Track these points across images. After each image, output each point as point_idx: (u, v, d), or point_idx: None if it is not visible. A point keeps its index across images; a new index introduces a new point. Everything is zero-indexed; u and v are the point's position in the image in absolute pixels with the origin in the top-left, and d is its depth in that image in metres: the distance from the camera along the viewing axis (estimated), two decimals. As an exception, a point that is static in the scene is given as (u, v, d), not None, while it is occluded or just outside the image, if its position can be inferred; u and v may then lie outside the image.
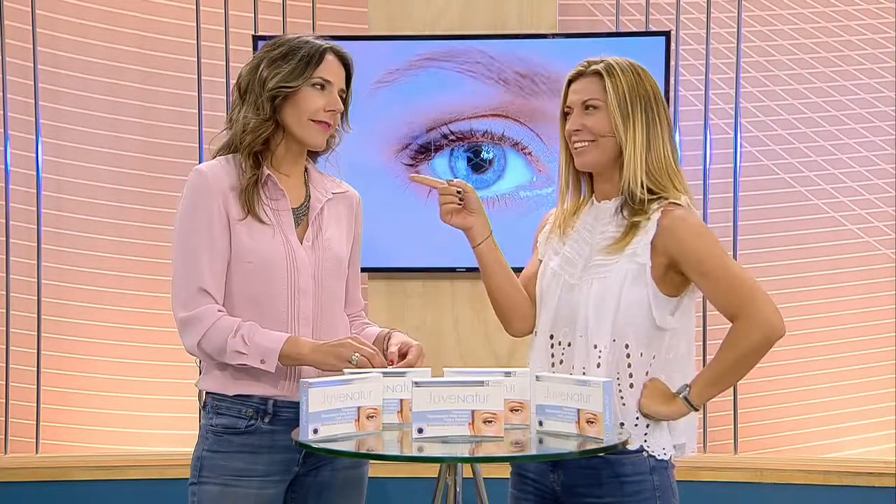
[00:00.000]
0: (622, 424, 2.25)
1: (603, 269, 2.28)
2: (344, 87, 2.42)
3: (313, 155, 2.50)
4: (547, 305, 2.34)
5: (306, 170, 2.47)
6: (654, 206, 2.27)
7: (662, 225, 2.25)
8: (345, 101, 2.43)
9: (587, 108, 2.31)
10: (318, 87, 2.37)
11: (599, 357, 2.25)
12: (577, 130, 2.31)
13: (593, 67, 2.32)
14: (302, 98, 2.36)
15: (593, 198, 2.38)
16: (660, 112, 2.32)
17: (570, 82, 2.36)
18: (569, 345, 2.29)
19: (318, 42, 2.40)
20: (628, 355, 2.26)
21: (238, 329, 2.29)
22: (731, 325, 2.27)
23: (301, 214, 2.41)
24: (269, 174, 2.37)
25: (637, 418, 2.27)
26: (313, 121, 2.37)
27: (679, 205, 2.28)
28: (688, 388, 2.26)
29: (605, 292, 2.25)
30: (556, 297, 2.32)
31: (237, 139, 2.38)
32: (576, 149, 2.32)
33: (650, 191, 2.28)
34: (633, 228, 2.27)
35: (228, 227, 2.33)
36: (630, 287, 2.25)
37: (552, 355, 2.31)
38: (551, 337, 2.32)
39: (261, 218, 2.34)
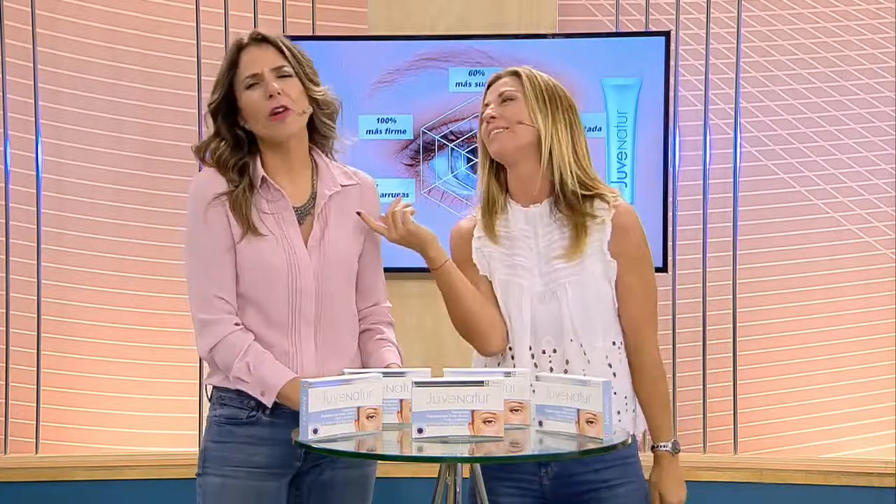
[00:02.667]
0: (618, 412, 2.34)
1: (567, 272, 2.32)
2: (281, 62, 2.35)
3: (321, 145, 2.46)
4: (520, 319, 2.34)
5: (315, 164, 2.44)
6: (598, 204, 2.34)
7: (616, 223, 2.34)
8: (301, 66, 2.37)
9: (504, 100, 2.35)
10: (250, 86, 2.34)
11: (588, 356, 2.31)
12: (493, 118, 2.34)
13: (511, 68, 2.39)
14: (244, 105, 2.35)
15: (511, 202, 2.39)
16: (579, 120, 2.38)
17: (488, 86, 2.41)
18: (553, 351, 2.31)
19: (235, 41, 2.38)
20: (613, 343, 2.36)
21: (246, 353, 2.29)
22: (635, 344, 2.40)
23: (305, 212, 2.39)
24: (263, 175, 2.36)
25: (626, 403, 2.37)
26: (267, 115, 2.33)
27: (621, 200, 2.37)
28: (671, 443, 2.41)
29: (588, 295, 2.32)
30: (527, 310, 2.33)
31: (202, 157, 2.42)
32: (490, 136, 2.35)
33: (582, 185, 2.33)
34: (580, 230, 2.32)
35: (231, 230, 2.33)
36: (601, 284, 2.33)
37: (536, 365, 2.33)
38: (530, 348, 2.33)
39: (260, 231, 2.33)
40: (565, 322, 2.30)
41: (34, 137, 4.18)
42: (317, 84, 2.40)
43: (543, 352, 2.33)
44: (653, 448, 2.41)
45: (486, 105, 2.38)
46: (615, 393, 2.33)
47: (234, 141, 2.37)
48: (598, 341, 2.32)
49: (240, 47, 2.36)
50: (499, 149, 2.34)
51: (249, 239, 2.32)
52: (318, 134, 2.44)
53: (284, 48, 2.36)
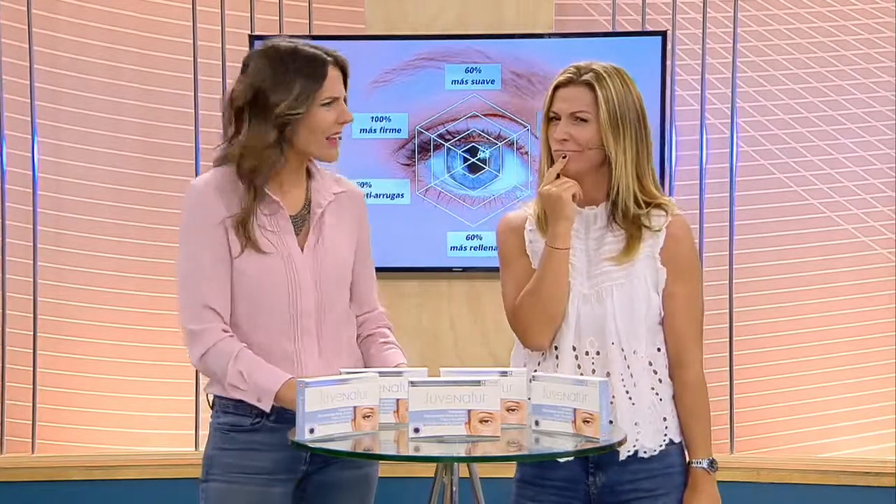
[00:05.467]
0: (665, 419, 2.31)
1: (616, 275, 2.30)
2: (344, 93, 2.40)
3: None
4: (566, 318, 2.31)
5: (309, 171, 2.44)
6: (655, 213, 2.33)
7: (669, 232, 2.32)
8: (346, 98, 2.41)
9: (576, 119, 2.30)
10: (326, 104, 2.34)
11: (629, 361, 2.29)
12: (564, 140, 2.30)
13: (584, 77, 2.30)
14: (314, 119, 2.33)
15: None
16: (645, 122, 2.34)
17: (556, 87, 2.34)
18: (597, 353, 2.30)
19: (318, 55, 2.36)
20: (658, 349, 2.33)
21: (238, 359, 2.29)
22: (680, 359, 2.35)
23: (301, 220, 2.40)
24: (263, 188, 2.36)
25: (672, 409, 2.34)
26: (328, 138, 2.36)
27: (678, 213, 2.35)
28: (708, 461, 2.34)
29: (634, 300, 2.30)
30: (574, 309, 2.31)
31: (236, 160, 2.34)
32: (558, 156, 2.32)
33: (638, 202, 2.32)
34: (635, 237, 2.31)
35: (227, 240, 2.33)
36: (650, 291, 2.31)
37: (578, 367, 2.31)
38: (574, 348, 2.31)
39: (261, 248, 2.33)
40: (608, 324, 2.29)
41: (30, 137, 4.18)
42: None
43: (587, 353, 2.30)
44: (688, 465, 2.35)
45: (555, 114, 2.32)
46: (661, 399, 2.32)
47: (280, 150, 2.36)
48: (640, 346, 2.29)
49: (324, 63, 2.35)
50: (567, 171, 2.31)
51: (249, 253, 2.33)
52: None
53: (347, 78, 2.40)
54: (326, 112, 2.34)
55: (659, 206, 2.34)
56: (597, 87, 2.30)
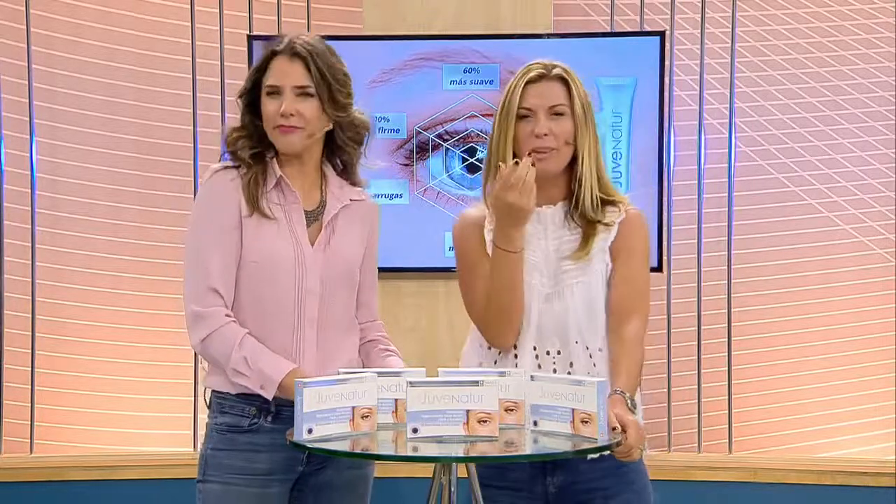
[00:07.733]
0: None
1: (576, 273, 2.31)
2: (305, 81, 2.34)
3: (334, 157, 2.47)
4: (527, 318, 2.31)
5: (325, 175, 2.45)
6: (610, 209, 2.33)
7: (621, 226, 2.33)
8: (329, 89, 2.35)
9: (554, 113, 2.30)
10: (269, 94, 2.36)
11: (594, 360, 2.29)
12: (546, 135, 2.29)
13: (555, 72, 2.32)
14: (262, 109, 2.37)
15: None
16: (595, 119, 2.35)
17: (528, 83, 2.31)
18: (558, 353, 2.30)
19: (272, 47, 2.38)
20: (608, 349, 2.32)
21: (242, 345, 2.29)
22: (628, 317, 2.30)
23: (314, 218, 2.40)
24: (280, 176, 2.38)
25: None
26: (275, 127, 2.36)
27: (632, 209, 2.36)
28: (626, 394, 2.22)
29: (593, 296, 2.30)
30: (535, 309, 2.31)
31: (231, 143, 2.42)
32: (538, 154, 2.30)
33: (596, 200, 2.32)
34: (590, 233, 2.31)
35: (240, 228, 2.34)
36: (603, 286, 2.32)
37: (539, 366, 2.31)
38: (534, 349, 2.32)
39: (265, 213, 2.34)
40: (571, 323, 2.29)
41: (28, 137, 4.18)
42: (342, 106, 2.39)
43: (548, 352, 2.31)
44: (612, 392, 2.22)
45: (528, 110, 2.31)
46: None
47: (253, 133, 2.39)
48: (601, 344, 2.30)
49: (273, 53, 2.37)
50: (546, 170, 2.30)
51: (258, 221, 2.33)
52: (335, 150, 2.46)
53: (313, 68, 2.35)
54: (269, 101, 2.36)
55: (613, 202, 2.34)
56: (569, 82, 2.31)
